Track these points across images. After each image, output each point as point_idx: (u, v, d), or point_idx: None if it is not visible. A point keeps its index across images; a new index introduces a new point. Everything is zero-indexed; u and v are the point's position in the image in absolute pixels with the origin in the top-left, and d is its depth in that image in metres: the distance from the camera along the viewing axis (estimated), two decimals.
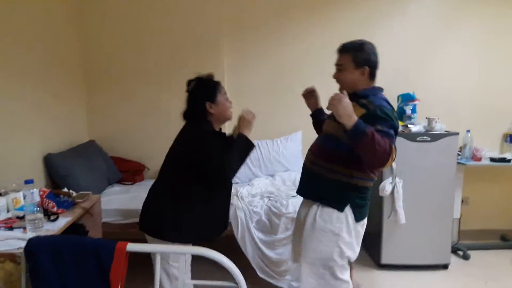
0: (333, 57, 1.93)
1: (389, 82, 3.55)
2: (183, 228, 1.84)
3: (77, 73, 3.49)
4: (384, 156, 1.62)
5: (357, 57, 1.83)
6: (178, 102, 3.62)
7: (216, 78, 3.67)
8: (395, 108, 3.45)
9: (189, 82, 1.98)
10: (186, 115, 1.99)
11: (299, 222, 2.03)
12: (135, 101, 3.63)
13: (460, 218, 3.53)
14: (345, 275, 1.92)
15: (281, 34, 3.66)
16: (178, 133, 1.99)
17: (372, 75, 1.87)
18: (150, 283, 1.48)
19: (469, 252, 3.43)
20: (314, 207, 1.90)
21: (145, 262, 1.88)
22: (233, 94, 3.68)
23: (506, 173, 3.83)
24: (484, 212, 3.84)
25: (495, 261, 3.37)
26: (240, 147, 1.87)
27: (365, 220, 1.95)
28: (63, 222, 1.97)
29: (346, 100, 1.66)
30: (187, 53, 3.58)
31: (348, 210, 1.84)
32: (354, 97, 1.81)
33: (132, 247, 1.42)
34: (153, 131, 3.63)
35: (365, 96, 1.81)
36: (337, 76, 1.90)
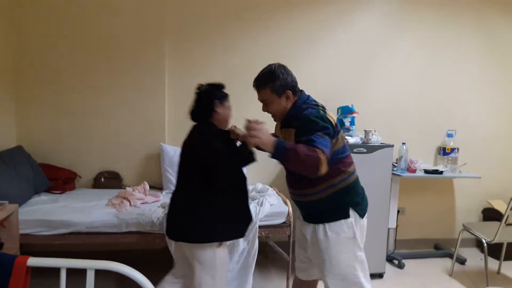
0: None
1: (329, 94, 3.63)
2: (210, 229, 1.93)
3: (5, 72, 3.22)
4: (315, 162, 1.55)
5: (275, 87, 1.82)
6: (117, 105, 3.45)
7: (157, 80, 3.52)
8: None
9: (200, 85, 2.08)
10: (194, 114, 2.06)
11: (305, 240, 1.99)
12: (71, 104, 3.40)
13: (396, 228, 3.64)
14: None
15: (229, 39, 3.58)
16: (186, 136, 2.06)
17: (295, 92, 1.87)
18: None
19: (404, 261, 3.53)
20: (320, 224, 1.88)
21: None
22: (174, 97, 3.53)
23: (439, 184, 4.02)
24: (419, 222, 4.00)
25: (429, 269, 3.50)
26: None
27: (366, 215, 1.95)
28: None
29: (264, 126, 1.65)
30: (126, 53, 3.42)
31: (351, 212, 1.86)
32: (286, 122, 1.87)
33: (34, 261, 1.30)
34: (89, 137, 3.43)
35: (293, 117, 1.83)
36: (266, 110, 1.91)
